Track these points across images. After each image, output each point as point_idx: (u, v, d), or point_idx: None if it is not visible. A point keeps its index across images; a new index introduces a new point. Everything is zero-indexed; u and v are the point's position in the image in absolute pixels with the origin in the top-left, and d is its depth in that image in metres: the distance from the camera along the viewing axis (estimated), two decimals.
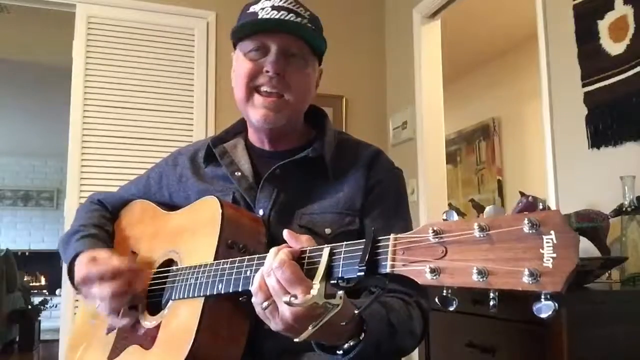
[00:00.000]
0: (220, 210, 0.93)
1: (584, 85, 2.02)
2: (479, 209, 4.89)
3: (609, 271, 1.70)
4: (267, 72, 1.00)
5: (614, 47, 1.91)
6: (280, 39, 1.00)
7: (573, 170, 2.08)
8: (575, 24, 2.07)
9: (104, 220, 1.22)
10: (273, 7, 1.00)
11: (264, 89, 1.01)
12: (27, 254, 7.83)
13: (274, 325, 0.76)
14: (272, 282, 0.74)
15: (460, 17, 3.58)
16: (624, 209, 1.69)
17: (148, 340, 0.96)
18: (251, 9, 1.03)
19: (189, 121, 3.02)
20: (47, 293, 7.26)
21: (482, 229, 0.58)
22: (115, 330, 1.05)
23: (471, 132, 5.01)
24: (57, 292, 6.84)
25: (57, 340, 3.12)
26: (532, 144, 4.24)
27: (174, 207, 1.14)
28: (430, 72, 3.13)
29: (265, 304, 0.75)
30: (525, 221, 0.55)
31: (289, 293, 0.72)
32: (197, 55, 3.05)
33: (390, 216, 1.05)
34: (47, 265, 7.59)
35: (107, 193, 1.31)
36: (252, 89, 1.02)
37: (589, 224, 1.72)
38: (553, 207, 2.00)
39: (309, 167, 1.05)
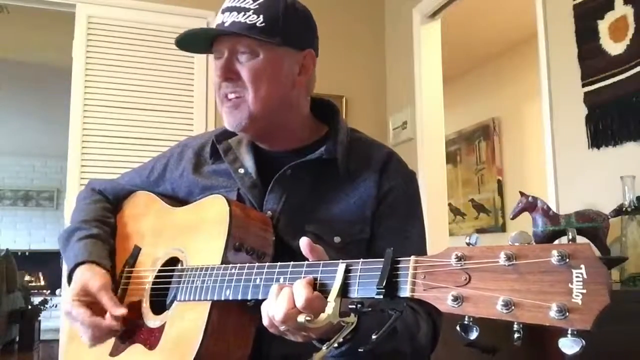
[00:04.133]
0: (228, 211, 0.91)
1: (584, 85, 2.02)
2: (479, 208, 4.90)
3: (609, 271, 1.70)
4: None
5: (614, 47, 1.91)
6: (226, 43, 1.00)
7: (573, 170, 2.08)
8: (575, 24, 2.07)
9: (106, 213, 1.19)
10: (223, 11, 1.01)
11: (227, 95, 1.01)
12: (27, 254, 7.82)
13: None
14: (290, 325, 0.72)
15: (460, 17, 3.58)
16: (624, 209, 1.69)
17: (152, 340, 0.94)
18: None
19: (189, 121, 3.02)
20: (47, 293, 7.26)
21: (508, 258, 0.56)
22: None
23: (471, 132, 5.01)
24: (57, 292, 6.84)
25: (57, 340, 3.12)
26: (532, 144, 4.24)
27: (177, 201, 1.13)
28: (430, 72, 3.13)
29: (282, 328, 0.74)
30: (555, 253, 0.53)
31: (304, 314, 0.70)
32: (197, 55, 3.04)
33: (405, 227, 1.03)
34: (47, 265, 7.59)
35: (108, 181, 1.28)
36: (221, 97, 1.02)
37: (589, 224, 1.72)
38: (553, 207, 1.99)
39: (320, 168, 1.03)
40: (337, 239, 0.98)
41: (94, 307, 0.99)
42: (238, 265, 0.85)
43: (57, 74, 3.82)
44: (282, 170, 1.01)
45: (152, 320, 0.98)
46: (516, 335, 0.55)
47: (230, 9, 1.00)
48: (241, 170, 1.06)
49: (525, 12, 3.00)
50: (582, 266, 0.52)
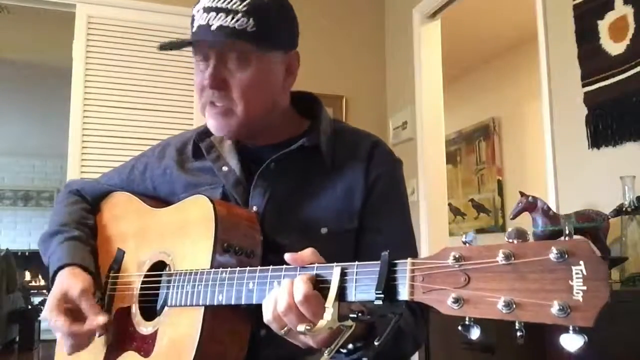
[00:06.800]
0: (213, 211, 0.89)
1: (584, 85, 2.02)
2: (479, 208, 4.90)
3: (609, 271, 1.70)
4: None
5: (614, 47, 1.91)
6: (214, 48, 0.94)
7: (573, 170, 2.08)
8: (575, 24, 2.07)
9: (85, 214, 1.17)
10: (204, 9, 0.93)
11: (213, 102, 0.97)
12: (27, 254, 7.79)
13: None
14: (292, 318, 0.71)
15: (461, 17, 3.57)
16: (624, 209, 1.69)
17: (146, 347, 0.93)
18: (193, 10, 0.97)
19: (189, 121, 3.01)
20: (47, 293, 7.21)
21: (507, 257, 0.56)
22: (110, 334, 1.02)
23: (471, 132, 5.01)
24: None
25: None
26: (532, 144, 4.24)
27: (158, 200, 1.11)
28: (430, 72, 3.13)
29: (284, 331, 0.73)
30: (553, 250, 0.53)
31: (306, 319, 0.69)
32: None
33: (394, 216, 1.02)
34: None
35: (86, 181, 1.26)
36: (205, 101, 0.98)
37: (589, 224, 1.72)
38: (553, 207, 1.99)
39: (305, 159, 1.00)
40: (324, 230, 0.96)
41: (75, 313, 0.96)
42: (229, 269, 0.83)
43: (57, 74, 3.81)
44: (266, 164, 0.99)
45: (143, 327, 0.96)
46: (519, 334, 0.55)
47: (216, 10, 0.92)
48: (225, 168, 1.03)
49: (525, 12, 3.00)
50: (582, 262, 0.52)
